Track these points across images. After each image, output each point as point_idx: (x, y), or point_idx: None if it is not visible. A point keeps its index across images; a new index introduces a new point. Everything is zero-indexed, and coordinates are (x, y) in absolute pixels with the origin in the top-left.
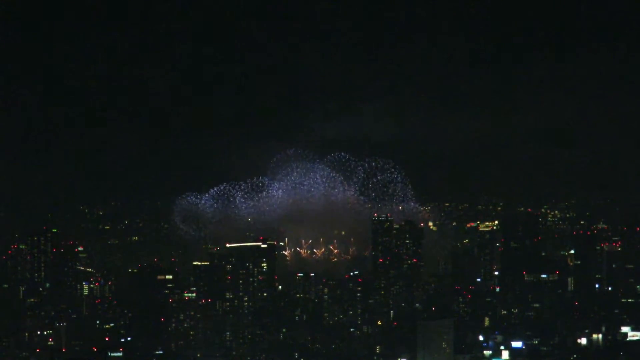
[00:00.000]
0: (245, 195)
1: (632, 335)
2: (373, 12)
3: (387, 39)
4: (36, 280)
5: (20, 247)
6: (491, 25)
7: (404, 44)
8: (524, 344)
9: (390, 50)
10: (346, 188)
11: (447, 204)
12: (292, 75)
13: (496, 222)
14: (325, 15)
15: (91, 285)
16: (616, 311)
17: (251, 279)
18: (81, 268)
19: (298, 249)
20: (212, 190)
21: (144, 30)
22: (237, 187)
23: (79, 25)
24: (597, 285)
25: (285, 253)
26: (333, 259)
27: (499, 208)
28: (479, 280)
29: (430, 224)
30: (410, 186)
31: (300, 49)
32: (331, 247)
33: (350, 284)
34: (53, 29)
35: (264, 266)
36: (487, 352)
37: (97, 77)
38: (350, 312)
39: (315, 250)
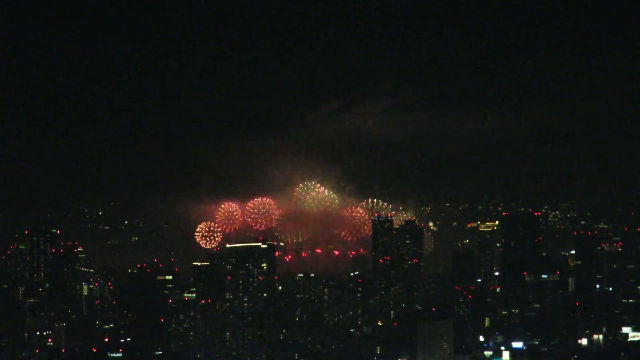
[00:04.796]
0: (245, 195)
1: (633, 335)
2: (374, 12)
3: (387, 39)
4: (36, 280)
5: (20, 247)
6: (492, 26)
7: (404, 44)
8: (524, 344)
9: (390, 50)
10: (346, 188)
11: (447, 204)
12: (293, 74)
13: (496, 222)
14: (327, 15)
15: (91, 286)
16: (617, 312)
17: (251, 279)
18: (81, 268)
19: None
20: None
21: (144, 30)
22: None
23: (78, 26)
24: (597, 286)
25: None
26: (335, 252)
27: (500, 208)
28: (479, 280)
29: (430, 224)
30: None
31: (301, 48)
32: (331, 247)
33: (350, 284)
34: (53, 29)
35: (263, 266)
36: (487, 353)
37: (97, 77)
38: (350, 313)
39: (316, 250)
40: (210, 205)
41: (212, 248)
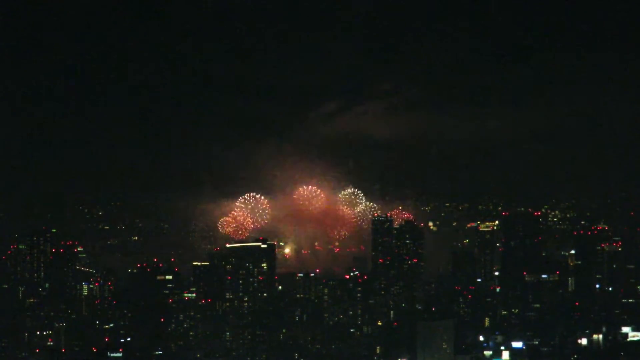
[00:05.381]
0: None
1: (633, 335)
2: (374, 12)
3: (388, 39)
4: (35, 280)
5: (20, 247)
6: (492, 25)
7: (404, 44)
8: (524, 344)
9: (391, 50)
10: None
11: (447, 204)
12: (293, 74)
13: (496, 222)
14: (327, 15)
15: (91, 286)
16: (617, 311)
17: (251, 279)
18: (81, 268)
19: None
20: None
21: (144, 29)
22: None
23: (77, 25)
24: (597, 286)
25: (286, 253)
26: (336, 249)
27: (499, 208)
28: (479, 280)
29: (430, 224)
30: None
31: (301, 48)
32: (331, 247)
33: (350, 284)
34: (51, 27)
35: (264, 266)
36: (487, 353)
37: (97, 77)
38: (350, 312)
39: (316, 246)
40: (210, 204)
41: (212, 248)
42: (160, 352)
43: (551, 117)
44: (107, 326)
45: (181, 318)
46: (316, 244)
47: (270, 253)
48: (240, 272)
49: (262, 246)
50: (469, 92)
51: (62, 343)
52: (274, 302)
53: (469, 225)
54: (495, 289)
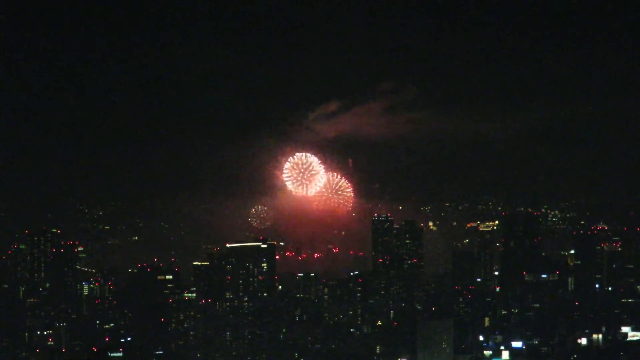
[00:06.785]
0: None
1: (632, 335)
2: (373, 12)
3: (387, 38)
4: (36, 280)
5: (20, 247)
6: (492, 24)
7: (404, 43)
8: (524, 344)
9: (390, 50)
10: (346, 188)
11: (447, 204)
12: (292, 74)
13: (496, 222)
14: (326, 14)
15: (91, 285)
16: (616, 311)
17: (251, 279)
18: (81, 268)
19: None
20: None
21: (143, 29)
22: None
23: (78, 25)
24: (597, 285)
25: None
26: (335, 250)
27: (499, 208)
28: (479, 280)
29: (430, 224)
30: None
31: (301, 47)
32: (331, 247)
33: (350, 284)
34: (52, 27)
35: (264, 266)
36: (487, 352)
37: (96, 76)
38: (350, 312)
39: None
40: (210, 204)
41: (212, 248)
42: (161, 352)
43: (551, 117)
44: (107, 326)
45: (181, 318)
46: (316, 244)
47: (271, 253)
48: (240, 272)
49: (262, 246)
50: (469, 92)
51: (62, 343)
52: (274, 302)
53: (469, 225)
54: (495, 289)
